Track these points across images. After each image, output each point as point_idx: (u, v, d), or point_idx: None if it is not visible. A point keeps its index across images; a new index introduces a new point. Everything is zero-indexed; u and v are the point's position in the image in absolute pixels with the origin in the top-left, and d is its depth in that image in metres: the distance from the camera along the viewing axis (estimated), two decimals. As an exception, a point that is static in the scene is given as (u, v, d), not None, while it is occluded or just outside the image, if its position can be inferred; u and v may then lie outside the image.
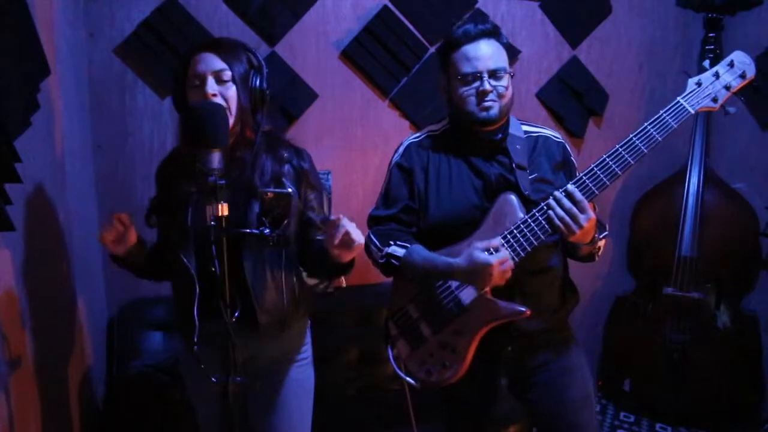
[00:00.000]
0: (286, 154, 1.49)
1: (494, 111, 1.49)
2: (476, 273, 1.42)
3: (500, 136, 1.54)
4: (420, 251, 1.52)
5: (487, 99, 1.47)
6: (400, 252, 1.53)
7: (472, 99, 1.48)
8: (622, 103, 3.05)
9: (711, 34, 2.76)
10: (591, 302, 3.10)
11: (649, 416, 2.93)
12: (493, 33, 1.50)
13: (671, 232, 2.79)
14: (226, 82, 1.38)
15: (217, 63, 1.38)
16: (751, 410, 2.79)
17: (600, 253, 1.57)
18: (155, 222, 1.52)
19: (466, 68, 1.48)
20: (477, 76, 1.47)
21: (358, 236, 1.31)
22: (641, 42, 3.04)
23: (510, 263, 1.42)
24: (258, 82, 1.43)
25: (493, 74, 1.48)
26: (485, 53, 1.47)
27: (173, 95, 1.46)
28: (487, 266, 1.39)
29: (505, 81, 1.49)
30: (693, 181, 2.78)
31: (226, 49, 1.41)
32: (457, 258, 1.46)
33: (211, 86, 1.36)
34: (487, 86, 1.46)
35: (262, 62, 1.47)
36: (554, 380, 1.60)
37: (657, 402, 2.88)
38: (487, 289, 1.46)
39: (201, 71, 1.37)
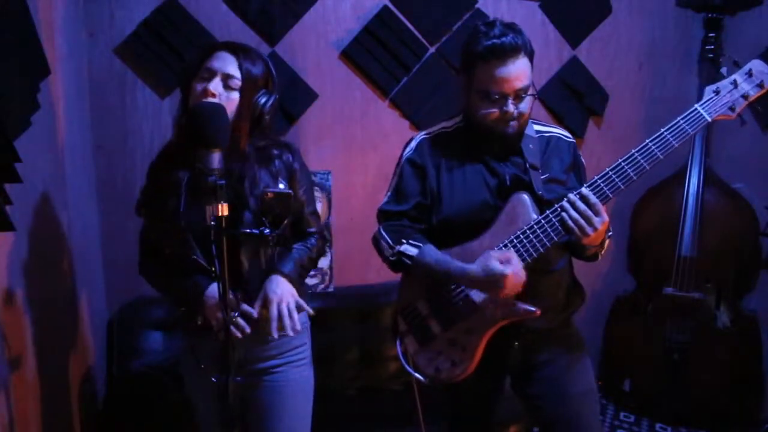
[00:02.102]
0: (275, 151, 1.49)
1: (513, 129, 1.48)
2: (490, 282, 1.42)
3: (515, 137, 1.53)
4: (433, 252, 1.51)
5: (509, 121, 1.45)
6: (412, 251, 1.52)
7: (494, 118, 1.46)
8: (622, 103, 3.05)
9: (711, 34, 2.76)
10: (591, 302, 3.07)
11: (649, 416, 2.92)
12: (523, 48, 1.43)
13: (671, 232, 2.79)
14: (232, 89, 1.38)
15: (232, 68, 1.38)
16: (751, 410, 2.79)
17: (603, 253, 1.57)
18: (145, 213, 1.53)
19: (492, 88, 1.43)
20: (502, 99, 1.43)
21: (288, 324, 1.40)
22: (641, 42, 3.04)
23: (523, 275, 1.42)
24: (263, 102, 1.43)
25: (518, 95, 1.44)
26: (513, 74, 1.41)
27: (181, 80, 1.46)
28: (502, 277, 1.39)
29: (526, 102, 1.46)
30: (693, 181, 2.78)
31: (247, 57, 1.41)
32: (471, 264, 1.45)
33: (215, 85, 1.36)
34: (511, 108, 1.43)
35: (276, 87, 1.47)
36: (557, 376, 1.60)
37: (657, 402, 2.88)
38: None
39: (214, 67, 1.38)
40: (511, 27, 1.44)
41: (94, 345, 2.22)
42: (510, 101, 1.43)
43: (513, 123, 1.47)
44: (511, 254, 1.42)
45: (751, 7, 2.80)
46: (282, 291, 1.42)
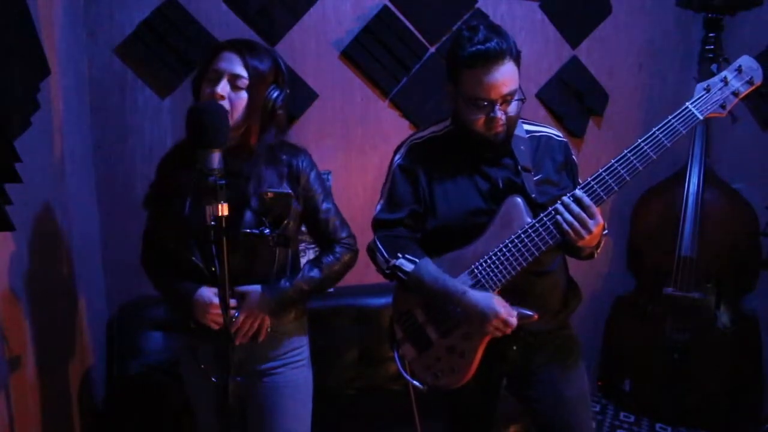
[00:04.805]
0: (284, 157, 1.49)
1: (501, 135, 1.46)
2: (482, 314, 1.42)
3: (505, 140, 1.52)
4: (429, 269, 1.49)
5: (497, 125, 1.43)
6: (408, 267, 1.49)
7: (482, 123, 1.44)
8: (622, 103, 3.05)
9: (711, 34, 2.76)
10: (591, 302, 3.10)
11: (649, 416, 2.93)
12: (508, 52, 1.39)
13: (671, 232, 2.79)
14: (240, 89, 1.38)
15: (238, 68, 1.37)
16: (751, 410, 2.79)
17: (599, 251, 1.57)
18: (152, 208, 1.53)
19: (478, 93, 1.40)
20: (488, 104, 1.41)
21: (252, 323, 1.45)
22: (641, 42, 3.04)
23: (514, 324, 1.42)
24: (274, 96, 1.43)
25: (505, 99, 1.42)
26: (499, 79, 1.38)
27: (193, 82, 1.45)
28: (493, 314, 1.40)
29: (514, 106, 1.44)
30: (693, 181, 2.78)
31: (253, 54, 1.40)
32: (471, 291, 1.45)
33: (222, 87, 1.36)
34: (498, 114, 1.41)
35: (287, 80, 1.47)
36: (555, 379, 1.60)
37: (657, 402, 2.88)
38: (496, 292, 1.46)
39: (220, 68, 1.37)
40: (496, 30, 1.41)
41: (94, 345, 2.22)
42: (497, 107, 1.41)
43: (500, 129, 1.45)
44: (514, 311, 1.43)
45: (751, 7, 2.80)
46: (257, 307, 1.44)
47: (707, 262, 2.74)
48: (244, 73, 1.37)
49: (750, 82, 1.41)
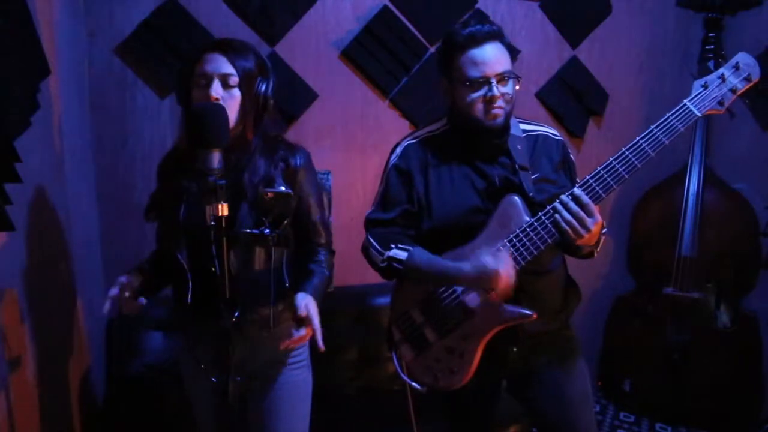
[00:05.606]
0: (281, 152, 1.48)
1: (501, 119, 1.47)
2: (482, 280, 1.40)
3: (502, 137, 1.53)
4: (422, 254, 1.49)
5: (495, 106, 1.44)
6: (402, 255, 1.50)
7: (480, 106, 1.45)
8: (622, 103, 3.06)
9: (711, 34, 2.76)
10: (591, 302, 3.10)
11: (649, 416, 2.93)
12: (499, 35, 1.46)
13: (671, 232, 2.79)
14: (232, 87, 1.38)
15: (226, 66, 1.37)
16: (751, 410, 2.79)
17: (599, 250, 1.57)
18: (154, 217, 1.52)
19: (474, 73, 1.43)
20: (485, 81, 1.43)
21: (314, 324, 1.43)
22: (641, 42, 3.04)
23: (513, 272, 1.40)
24: (264, 89, 1.43)
25: (501, 79, 1.44)
26: (492, 57, 1.43)
27: (177, 90, 1.45)
28: (494, 273, 1.37)
29: (510, 85, 1.47)
30: (693, 181, 2.79)
31: (237, 51, 1.40)
32: (462, 262, 1.43)
33: (216, 89, 1.36)
34: (496, 92, 1.43)
35: (271, 69, 1.47)
36: (556, 379, 1.60)
37: (657, 402, 2.88)
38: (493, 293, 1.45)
39: (208, 72, 1.37)
40: (487, 20, 1.48)
41: (94, 345, 2.22)
42: (494, 84, 1.43)
43: (500, 110, 1.45)
44: (503, 252, 1.41)
45: (751, 7, 2.80)
46: (315, 307, 1.45)
47: (707, 262, 2.74)
48: (232, 70, 1.37)
49: (747, 79, 1.41)
